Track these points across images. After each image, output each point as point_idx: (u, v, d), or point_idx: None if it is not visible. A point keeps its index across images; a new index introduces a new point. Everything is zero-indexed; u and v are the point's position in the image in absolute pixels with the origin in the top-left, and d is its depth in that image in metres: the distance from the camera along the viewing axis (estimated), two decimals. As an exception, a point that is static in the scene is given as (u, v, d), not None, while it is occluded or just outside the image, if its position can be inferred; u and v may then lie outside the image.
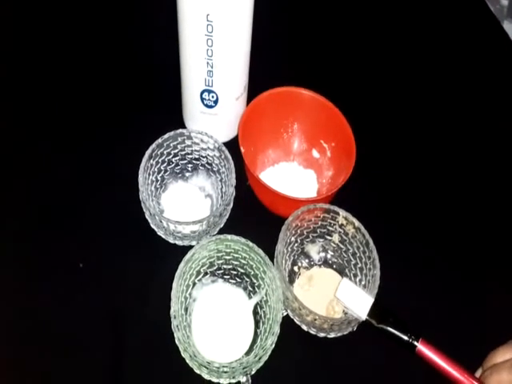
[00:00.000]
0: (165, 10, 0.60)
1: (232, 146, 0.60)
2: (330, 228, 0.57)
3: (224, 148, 0.58)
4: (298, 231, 0.56)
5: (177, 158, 0.60)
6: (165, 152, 0.59)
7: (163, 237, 0.57)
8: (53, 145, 0.65)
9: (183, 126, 0.66)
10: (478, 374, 0.50)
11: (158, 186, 0.60)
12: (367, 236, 0.53)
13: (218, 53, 0.56)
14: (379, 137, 0.68)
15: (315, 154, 0.65)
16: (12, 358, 0.53)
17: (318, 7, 0.81)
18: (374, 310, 0.50)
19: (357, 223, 0.54)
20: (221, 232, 0.57)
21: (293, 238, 0.56)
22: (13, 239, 0.59)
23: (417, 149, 0.69)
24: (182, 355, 0.49)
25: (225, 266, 0.55)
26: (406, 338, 0.50)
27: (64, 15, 0.76)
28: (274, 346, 0.49)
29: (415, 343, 0.50)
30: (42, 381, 0.52)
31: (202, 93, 0.60)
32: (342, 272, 0.57)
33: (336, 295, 0.52)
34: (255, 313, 0.54)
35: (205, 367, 0.47)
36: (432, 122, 0.72)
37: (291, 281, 0.57)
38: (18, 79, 0.71)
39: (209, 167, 0.61)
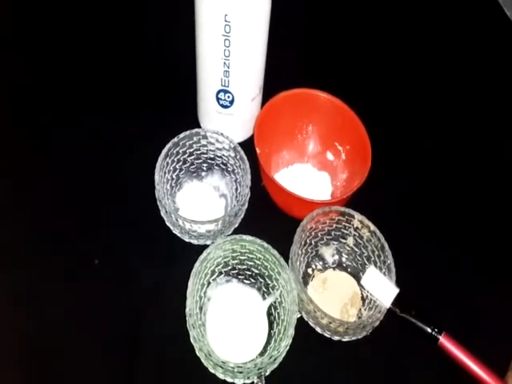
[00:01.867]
0: (182, 10, 0.60)
1: (246, 146, 0.60)
2: (345, 231, 0.57)
3: (239, 148, 0.58)
4: (313, 233, 0.56)
5: (192, 157, 0.60)
6: (180, 151, 0.59)
7: (179, 235, 0.57)
8: (70, 144, 0.65)
9: (198, 126, 0.66)
10: None
11: (173, 185, 0.60)
12: (382, 240, 0.53)
13: (235, 53, 0.56)
14: (395, 140, 0.68)
15: (330, 156, 0.65)
16: (23, 356, 0.53)
17: (335, 9, 0.81)
18: (399, 301, 0.51)
19: (372, 227, 0.54)
20: (235, 232, 0.57)
21: (307, 240, 0.56)
22: (27, 236, 0.59)
23: (433, 152, 0.69)
24: (197, 354, 0.49)
25: (239, 266, 0.55)
26: (428, 329, 0.51)
27: (79, 14, 0.76)
28: (288, 347, 0.49)
29: (438, 336, 0.50)
30: (54, 379, 0.52)
31: (217, 93, 0.60)
32: (356, 275, 0.57)
33: (361, 282, 0.53)
34: (269, 314, 0.54)
35: (220, 367, 0.47)
36: (450, 125, 0.72)
37: (305, 283, 0.57)
38: (38, 79, 0.71)
39: (224, 167, 0.61)
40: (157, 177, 0.55)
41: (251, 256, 0.54)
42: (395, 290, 0.52)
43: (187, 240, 0.57)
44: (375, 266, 0.55)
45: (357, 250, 0.57)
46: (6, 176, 0.62)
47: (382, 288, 0.52)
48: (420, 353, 0.54)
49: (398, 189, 0.65)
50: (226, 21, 0.53)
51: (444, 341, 0.50)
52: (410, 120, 0.71)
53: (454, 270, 0.60)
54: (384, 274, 0.53)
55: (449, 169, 0.68)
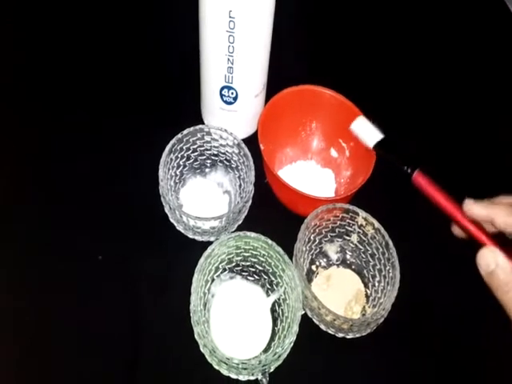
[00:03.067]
0: (186, 6, 0.60)
1: (250, 142, 0.59)
2: (349, 228, 0.57)
3: (243, 145, 0.58)
4: (317, 230, 0.56)
5: (196, 153, 0.60)
6: (184, 147, 0.59)
7: (182, 232, 0.57)
8: (74, 139, 0.65)
9: (202, 122, 0.66)
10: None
11: (176, 181, 0.60)
12: (387, 237, 0.53)
13: (239, 49, 0.55)
14: (399, 137, 0.67)
15: (333, 153, 0.65)
16: (23, 356, 0.52)
17: (340, 6, 0.80)
18: (383, 145, 0.55)
19: (376, 224, 0.54)
20: (239, 229, 0.57)
21: (311, 237, 0.56)
22: (31, 232, 0.59)
23: (438, 149, 0.69)
24: (202, 351, 0.49)
25: (243, 263, 0.55)
26: (404, 167, 0.52)
27: (85, 8, 0.76)
28: (292, 344, 0.48)
29: (411, 173, 0.51)
30: (57, 373, 0.52)
31: (221, 89, 0.60)
32: (360, 273, 0.57)
33: (351, 127, 0.57)
34: (273, 310, 0.54)
35: (224, 363, 0.47)
36: (455, 122, 0.71)
37: (309, 280, 0.57)
38: (40, 78, 0.70)
39: (227, 163, 0.61)
40: (161, 173, 0.55)
41: (255, 253, 0.54)
42: (380, 136, 0.55)
43: (191, 236, 0.57)
44: (379, 263, 0.55)
45: (361, 247, 0.57)
46: (7, 175, 0.62)
47: (369, 133, 0.56)
48: (424, 351, 0.55)
49: (402, 186, 0.64)
50: (230, 17, 0.52)
51: (418, 176, 0.51)
52: (415, 117, 0.71)
53: (459, 268, 0.60)
54: (388, 271, 0.53)
55: (454, 166, 0.68)
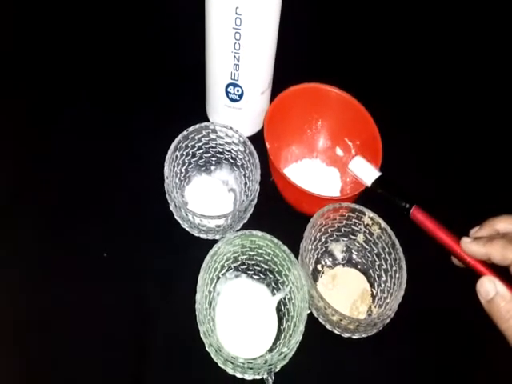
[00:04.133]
0: (191, 2, 0.60)
1: (255, 140, 0.59)
2: (355, 228, 0.56)
3: (249, 143, 0.58)
4: (323, 229, 0.56)
5: (201, 150, 0.60)
6: (189, 144, 0.59)
7: (188, 230, 0.57)
8: (79, 135, 0.65)
9: (207, 120, 0.66)
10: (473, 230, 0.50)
11: (182, 179, 0.60)
12: (393, 237, 0.53)
13: (245, 46, 0.55)
14: (406, 136, 0.67)
15: (339, 151, 0.64)
16: (27, 351, 0.52)
17: (346, 3, 0.80)
18: (380, 182, 0.56)
19: (383, 224, 0.54)
20: (244, 227, 0.57)
21: (317, 236, 0.56)
22: (38, 229, 0.58)
23: (445, 148, 0.69)
24: (207, 349, 0.49)
25: (248, 262, 0.55)
26: (402, 203, 0.53)
27: (85, 6, 0.75)
28: (298, 344, 0.48)
29: (409, 208, 0.53)
30: (64, 370, 0.52)
31: (227, 86, 0.60)
32: (366, 272, 0.57)
33: (348, 166, 0.58)
34: (278, 310, 0.54)
35: (230, 362, 0.47)
36: (462, 120, 0.71)
37: (314, 279, 0.56)
38: (43, 74, 0.70)
39: (232, 161, 0.61)
40: (166, 170, 0.55)
41: (261, 251, 0.53)
42: (377, 174, 0.56)
43: (196, 234, 0.57)
44: (385, 263, 0.55)
45: (367, 246, 0.57)
46: (7, 175, 0.62)
47: (366, 171, 0.57)
48: (430, 352, 0.54)
49: (408, 185, 0.64)
50: (236, 13, 0.52)
51: (416, 212, 0.52)
52: (422, 116, 0.71)
53: (467, 269, 0.60)
54: (395, 271, 0.53)
55: (461, 164, 0.68)
